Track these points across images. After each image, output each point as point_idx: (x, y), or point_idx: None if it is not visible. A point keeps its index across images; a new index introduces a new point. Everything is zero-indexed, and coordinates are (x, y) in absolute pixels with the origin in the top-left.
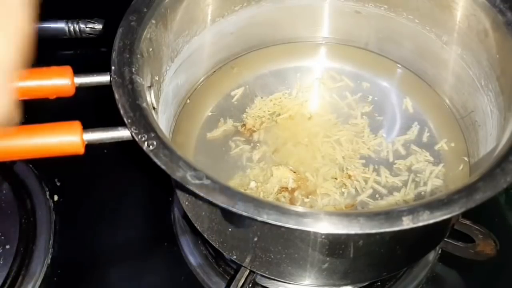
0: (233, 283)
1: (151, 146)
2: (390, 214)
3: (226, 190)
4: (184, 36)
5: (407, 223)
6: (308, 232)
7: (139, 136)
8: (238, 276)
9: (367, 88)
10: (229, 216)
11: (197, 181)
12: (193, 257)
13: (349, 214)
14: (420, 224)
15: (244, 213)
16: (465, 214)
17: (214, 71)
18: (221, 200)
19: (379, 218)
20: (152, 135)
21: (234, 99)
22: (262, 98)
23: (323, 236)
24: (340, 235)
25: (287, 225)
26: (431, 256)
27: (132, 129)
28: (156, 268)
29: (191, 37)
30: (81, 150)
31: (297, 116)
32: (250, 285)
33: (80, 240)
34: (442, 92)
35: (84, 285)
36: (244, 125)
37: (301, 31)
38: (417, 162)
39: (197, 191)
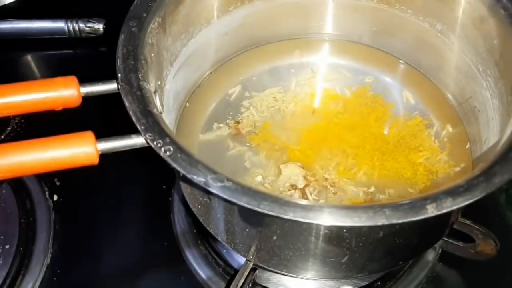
0: (233, 283)
1: (168, 152)
2: (414, 203)
3: (249, 191)
4: (181, 39)
5: (431, 211)
6: (330, 227)
7: (155, 142)
8: (238, 276)
9: (365, 80)
10: (246, 215)
11: (219, 184)
12: (193, 257)
13: (373, 206)
14: (444, 211)
15: (270, 213)
16: (465, 214)
17: (211, 73)
18: (245, 201)
19: (404, 208)
20: (168, 140)
21: (232, 99)
22: (260, 96)
23: (344, 230)
24: (362, 227)
25: (315, 222)
26: (431, 256)
27: (147, 136)
28: (156, 268)
29: (187, 40)
30: (95, 161)
31: (299, 111)
32: (250, 285)
33: (79, 240)
34: (439, 81)
35: (84, 285)
36: (245, 124)
37: (294, 28)
38: (424, 150)
39: (220, 194)
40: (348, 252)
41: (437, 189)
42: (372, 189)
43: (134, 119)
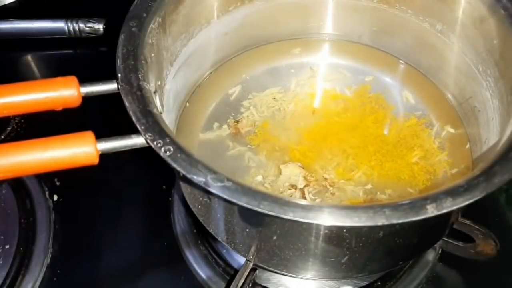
0: (233, 283)
1: (168, 152)
2: (414, 203)
3: (249, 191)
4: (181, 39)
5: (431, 211)
6: (330, 227)
7: (155, 143)
8: (238, 276)
9: (365, 80)
10: (246, 215)
11: (219, 184)
12: (193, 257)
13: (373, 206)
14: (444, 211)
15: (270, 213)
16: (465, 214)
17: (211, 73)
18: (245, 201)
19: (404, 208)
20: (168, 140)
21: (232, 99)
22: (260, 96)
23: (344, 230)
24: (362, 227)
25: (315, 222)
26: (431, 256)
27: (147, 136)
28: (156, 268)
29: (188, 40)
30: (95, 161)
31: (299, 111)
32: (250, 285)
33: (79, 240)
34: (439, 81)
35: (84, 285)
36: (244, 124)
37: (294, 28)
38: (424, 150)
39: (220, 194)
40: (348, 252)
41: (437, 189)
42: (369, 186)
43: (134, 119)
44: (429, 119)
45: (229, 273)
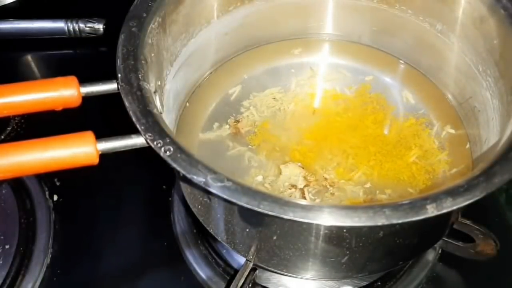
0: (233, 283)
1: (168, 152)
2: (414, 203)
3: (249, 191)
4: (181, 39)
5: (431, 211)
6: (330, 227)
7: (155, 143)
8: (238, 276)
9: (365, 80)
10: (246, 215)
11: (219, 184)
12: (193, 257)
13: (373, 206)
14: (444, 211)
15: (270, 213)
16: (465, 214)
17: (211, 73)
18: (245, 201)
19: (404, 208)
20: (168, 140)
21: (232, 99)
22: (260, 96)
23: (344, 230)
24: (362, 227)
25: (315, 222)
26: (431, 256)
27: (147, 136)
28: (156, 268)
29: (188, 40)
30: (95, 161)
31: (299, 111)
32: (250, 285)
33: (79, 240)
34: (439, 81)
35: (84, 285)
36: (244, 124)
37: (294, 28)
38: (423, 150)
39: (220, 194)
40: (348, 252)
41: (437, 189)
42: (368, 185)
43: (134, 119)
44: (429, 119)
45: (229, 273)
